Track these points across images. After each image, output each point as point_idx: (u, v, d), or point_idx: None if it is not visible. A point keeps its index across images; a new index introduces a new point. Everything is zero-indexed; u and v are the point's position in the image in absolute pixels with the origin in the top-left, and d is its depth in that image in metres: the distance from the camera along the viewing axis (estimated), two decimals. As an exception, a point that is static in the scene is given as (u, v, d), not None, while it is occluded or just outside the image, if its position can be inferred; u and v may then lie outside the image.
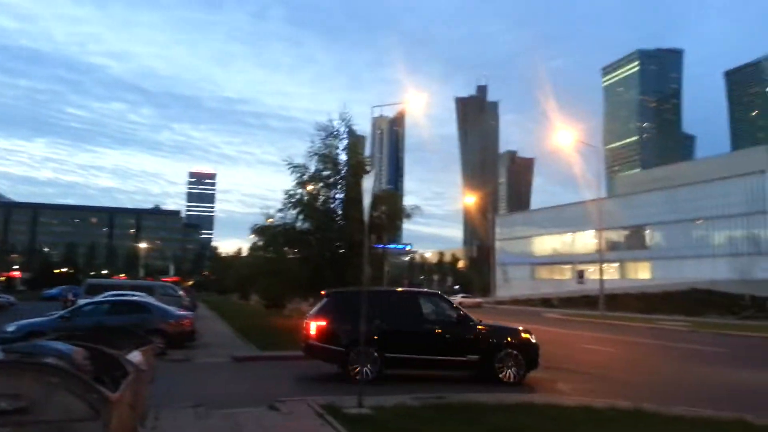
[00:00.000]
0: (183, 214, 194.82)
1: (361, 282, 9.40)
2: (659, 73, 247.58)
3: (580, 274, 45.37)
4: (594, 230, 48.64)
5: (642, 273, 56.19)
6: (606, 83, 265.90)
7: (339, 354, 10.55)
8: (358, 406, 7.63)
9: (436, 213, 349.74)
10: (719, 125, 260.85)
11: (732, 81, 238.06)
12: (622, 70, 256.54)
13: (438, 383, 10.51)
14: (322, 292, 12.06)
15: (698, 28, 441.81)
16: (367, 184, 9.57)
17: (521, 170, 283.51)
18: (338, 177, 19.53)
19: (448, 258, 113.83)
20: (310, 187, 19.87)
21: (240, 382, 11.14)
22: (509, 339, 11.13)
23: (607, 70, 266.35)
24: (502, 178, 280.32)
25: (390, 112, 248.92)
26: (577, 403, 8.45)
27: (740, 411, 7.97)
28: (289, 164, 19.55)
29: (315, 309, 11.49)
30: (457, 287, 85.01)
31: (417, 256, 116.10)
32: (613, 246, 58.98)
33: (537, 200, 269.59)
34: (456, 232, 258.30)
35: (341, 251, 18.33)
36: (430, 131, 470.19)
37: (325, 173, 19.63)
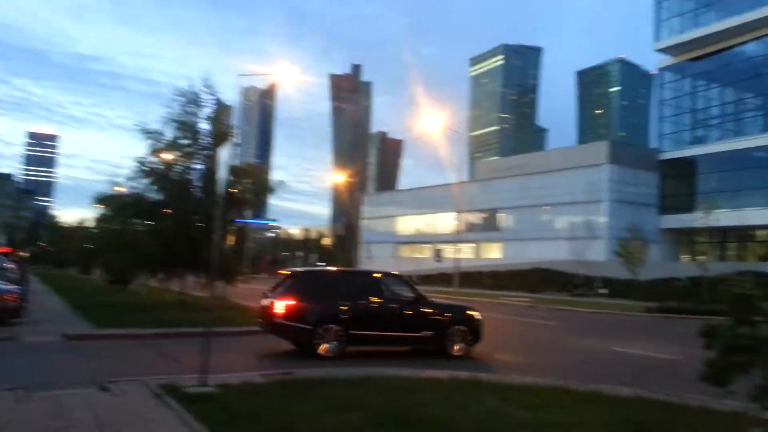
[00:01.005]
0: (18, 179, 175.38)
1: (216, 257, 9.06)
2: (521, 69, 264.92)
3: (438, 253, 47.64)
4: (454, 212, 51.17)
5: (494, 253, 60.35)
6: (473, 74, 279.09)
7: (306, 332, 10.86)
8: (201, 384, 7.37)
9: (305, 190, 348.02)
10: (569, 120, 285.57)
11: (582, 81, 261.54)
12: (488, 62, 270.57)
13: (377, 358, 10.94)
14: (285, 272, 12.52)
15: (557, 30, 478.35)
16: (224, 154, 9.19)
17: (390, 151, 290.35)
18: (198, 147, 18.55)
19: (314, 235, 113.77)
20: (166, 156, 18.69)
21: (70, 362, 10.32)
22: (458, 316, 12.05)
23: (474, 61, 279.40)
24: (371, 158, 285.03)
25: (261, 84, 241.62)
26: (421, 374, 8.82)
27: (570, 378, 8.82)
28: (142, 129, 18.23)
29: (280, 288, 11.63)
30: (321, 264, 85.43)
31: (282, 232, 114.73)
32: (471, 227, 62.54)
33: (405, 181, 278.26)
34: (324, 210, 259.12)
35: (198, 225, 17.50)
36: (304, 107, 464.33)
37: (184, 142, 18.56)
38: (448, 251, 50.92)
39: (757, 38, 44.95)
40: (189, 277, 19.84)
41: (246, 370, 8.91)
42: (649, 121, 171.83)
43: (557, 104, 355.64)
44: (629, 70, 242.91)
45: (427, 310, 11.81)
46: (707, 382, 4.25)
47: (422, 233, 69.78)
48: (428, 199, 67.68)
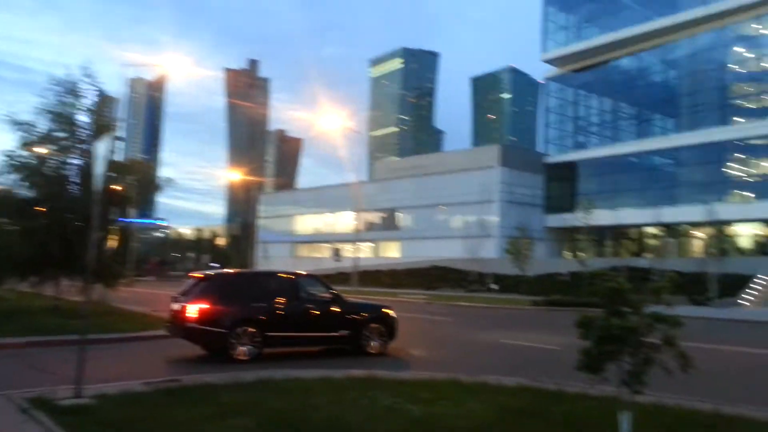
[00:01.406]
0: None
1: (92, 257, 8.37)
2: (419, 72, 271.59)
3: (337, 252, 47.62)
4: (353, 211, 51.45)
5: (393, 252, 61.35)
6: (373, 75, 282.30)
7: (220, 336, 10.62)
8: (75, 396, 6.78)
9: (198, 188, 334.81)
10: (465, 123, 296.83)
11: (476, 87, 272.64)
12: (388, 64, 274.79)
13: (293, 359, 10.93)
14: (197, 275, 12.13)
15: (454, 36, 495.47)
16: (103, 148, 8.50)
17: (289, 150, 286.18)
18: (75, 140, 17.14)
19: (207, 235, 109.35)
20: (39, 150, 17.12)
21: None
22: (374, 314, 12.26)
23: (374, 62, 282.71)
24: (269, 156, 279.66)
25: (150, 76, 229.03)
26: (318, 375, 8.70)
27: (462, 370, 9.07)
28: (11, 120, 16.58)
29: (193, 291, 11.24)
30: (214, 264, 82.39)
31: (173, 232, 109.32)
32: (370, 227, 63.09)
33: (304, 180, 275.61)
34: (219, 209, 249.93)
35: (75, 224, 16.17)
36: (197, 102, 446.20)
37: (59, 135, 17.09)
38: (348, 250, 51.08)
39: (631, 53, 49.17)
40: (65, 281, 18.31)
41: (130, 379, 8.32)
42: (537, 127, 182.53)
43: (454, 108, 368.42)
44: (519, 78, 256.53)
45: (344, 310, 11.95)
46: (583, 371, 4.49)
47: (321, 233, 69.46)
48: (328, 199, 67.47)
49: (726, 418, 6.22)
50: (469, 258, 47.00)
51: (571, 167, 52.74)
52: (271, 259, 69.25)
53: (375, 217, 64.09)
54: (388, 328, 12.26)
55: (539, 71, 69.36)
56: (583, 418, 5.98)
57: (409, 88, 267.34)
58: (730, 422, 6.07)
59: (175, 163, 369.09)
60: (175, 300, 11.46)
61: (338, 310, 11.88)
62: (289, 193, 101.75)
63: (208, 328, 10.67)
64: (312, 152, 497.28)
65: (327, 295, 12.09)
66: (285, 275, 12.43)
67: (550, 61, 54.08)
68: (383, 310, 12.60)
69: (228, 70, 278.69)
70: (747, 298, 30.83)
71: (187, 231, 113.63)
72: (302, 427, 5.77)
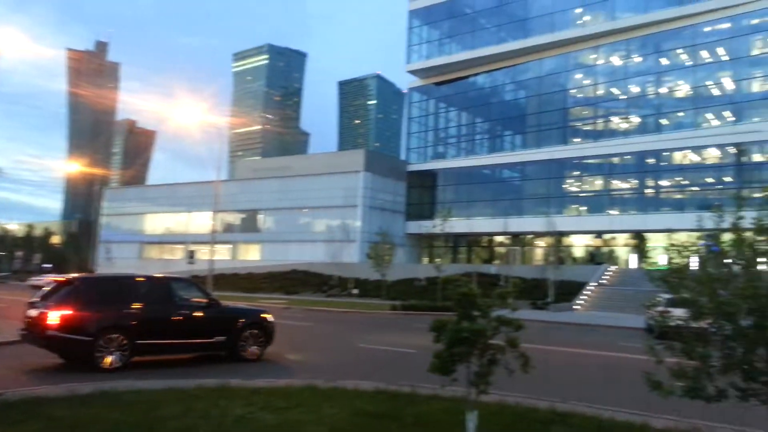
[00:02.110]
0: None
1: None
2: (285, 71, 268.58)
3: (191, 254, 45.16)
4: (210, 211, 49.25)
5: (252, 254, 59.72)
6: (236, 69, 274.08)
7: (85, 344, 9.94)
8: None
9: (30, 179, 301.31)
10: (331, 127, 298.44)
11: (344, 91, 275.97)
12: (253, 60, 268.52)
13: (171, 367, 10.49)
14: (61, 279, 11.37)
15: (323, 39, 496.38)
16: None
17: (140, 142, 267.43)
18: None
19: (39, 232, 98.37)
20: None
21: None
22: (252, 319, 12.04)
23: (238, 57, 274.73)
24: (117, 147, 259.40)
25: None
26: (164, 386, 8.15)
27: (320, 375, 8.93)
28: None
29: (54, 296, 10.50)
30: (47, 265, 74.41)
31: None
32: (228, 228, 60.85)
33: (156, 176, 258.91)
34: (55, 204, 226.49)
35: None
36: (33, 83, 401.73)
37: None
38: (203, 252, 48.75)
39: (486, 71, 52.63)
40: None
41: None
42: (400, 135, 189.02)
43: (321, 111, 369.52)
44: (385, 86, 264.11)
45: (220, 315, 11.70)
46: (435, 372, 4.59)
47: (174, 233, 65.60)
48: (182, 197, 63.99)
49: (560, 414, 6.76)
50: (330, 262, 47.15)
51: (431, 176, 55.16)
52: (114, 260, 64.10)
53: (234, 218, 61.99)
54: (266, 333, 12.08)
55: (404, 81, 71.85)
56: (434, 419, 6.17)
57: (275, 87, 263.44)
58: (564, 417, 6.60)
59: (2, 149, 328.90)
60: (33, 306, 10.67)
61: (214, 315, 11.54)
62: (139, 189, 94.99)
63: (71, 336, 9.91)
64: (166, 147, 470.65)
65: (203, 300, 11.70)
66: (157, 279, 11.96)
67: (414, 72, 56.18)
68: (262, 315, 12.38)
69: (71, 51, 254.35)
70: (579, 302, 34.24)
71: (15, 227, 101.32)
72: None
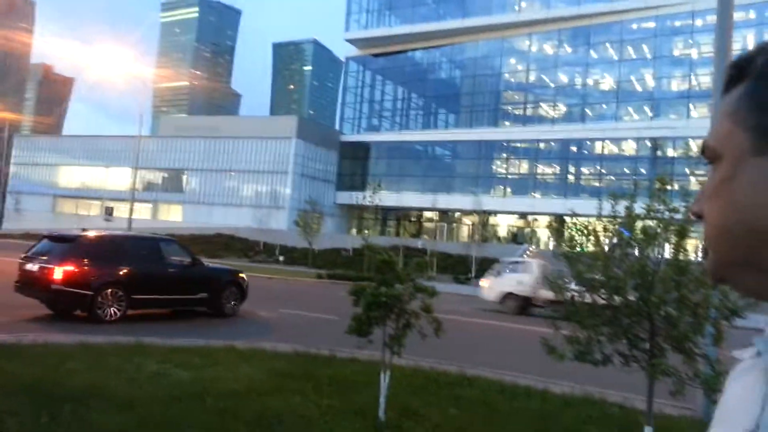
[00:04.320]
0: None
1: None
2: (217, 26, 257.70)
3: (108, 211, 43.20)
4: (131, 167, 47.11)
5: (174, 215, 57.86)
6: (164, 20, 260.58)
7: (87, 297, 10.76)
8: None
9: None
10: (264, 90, 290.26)
11: (279, 54, 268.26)
12: (182, 11, 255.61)
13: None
14: (59, 235, 12.14)
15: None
16: None
17: (56, 89, 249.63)
18: None
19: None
20: None
21: None
22: (230, 278, 13.30)
23: (167, 6, 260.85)
24: (30, 93, 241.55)
25: None
26: (75, 340, 7.95)
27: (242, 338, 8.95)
28: None
29: (56, 252, 11.26)
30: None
31: None
32: (149, 186, 58.58)
33: (73, 127, 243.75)
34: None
35: None
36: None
37: None
38: (121, 210, 46.82)
39: (424, 48, 52.82)
40: None
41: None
42: (335, 104, 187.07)
43: (254, 72, 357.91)
44: (322, 52, 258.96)
45: (204, 273, 12.77)
46: (353, 334, 4.78)
47: (90, 188, 62.50)
48: (101, 151, 60.92)
49: (468, 377, 7.17)
50: (257, 228, 46.50)
51: (364, 147, 55.16)
52: (23, 213, 60.35)
53: (156, 176, 59.76)
54: (242, 290, 13.30)
55: (342, 49, 70.69)
56: (349, 380, 6.40)
57: (205, 42, 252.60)
58: (471, 381, 7.01)
59: None
60: (29, 260, 11.35)
61: (198, 273, 12.58)
62: (53, 139, 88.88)
63: (74, 290, 10.73)
64: (86, 97, 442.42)
65: (188, 259, 12.64)
66: (149, 239, 13.07)
67: (352, 41, 55.55)
68: (239, 274, 13.68)
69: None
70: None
71: None
72: (56, 393, 5.21)
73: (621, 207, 4.49)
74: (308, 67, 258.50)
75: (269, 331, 11.52)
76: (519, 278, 18.84)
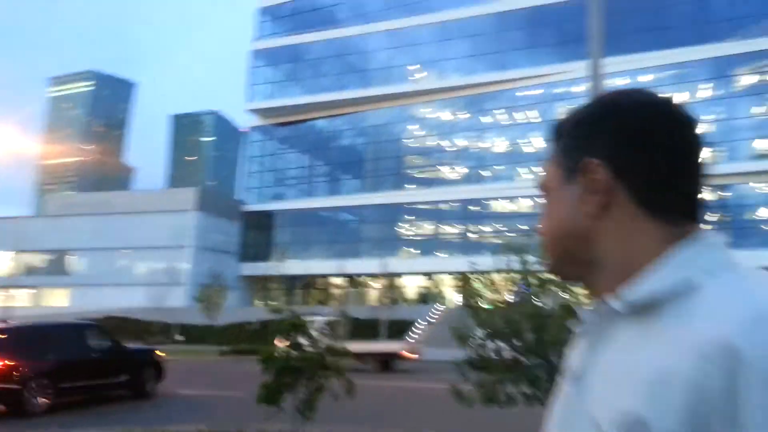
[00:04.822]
0: None
1: None
2: (110, 100, 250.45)
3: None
4: (11, 251, 43.38)
5: (60, 300, 53.27)
6: (53, 95, 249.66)
7: (15, 392, 10.44)
8: None
9: None
10: (160, 163, 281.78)
11: (177, 125, 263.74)
12: (73, 86, 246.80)
13: None
14: None
15: (156, 68, 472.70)
16: None
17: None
18: None
19: None
20: None
21: None
22: (148, 357, 13.53)
23: (57, 81, 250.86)
24: None
25: None
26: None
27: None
28: None
29: None
30: None
31: None
32: (31, 270, 53.99)
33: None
34: None
35: None
36: None
37: None
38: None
39: (327, 116, 54.11)
40: None
41: None
42: (238, 175, 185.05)
43: (150, 145, 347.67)
44: (222, 123, 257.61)
45: (125, 355, 12.82)
46: (263, 403, 4.58)
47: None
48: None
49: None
50: (153, 307, 43.78)
51: (268, 216, 54.48)
52: None
53: (39, 259, 55.22)
54: (159, 369, 13.46)
55: (243, 119, 70.70)
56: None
57: (98, 116, 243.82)
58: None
59: None
60: None
61: (120, 356, 12.61)
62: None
63: (3, 385, 10.43)
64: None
65: (109, 342, 12.75)
66: (72, 325, 13.35)
67: (254, 111, 55.80)
68: (156, 352, 14.04)
69: None
70: (409, 340, 35.72)
71: None
72: None
73: (515, 261, 4.77)
74: (208, 138, 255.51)
75: (172, 413, 10.73)
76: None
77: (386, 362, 19.82)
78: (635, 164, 0.75)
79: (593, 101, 0.86)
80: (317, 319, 21.56)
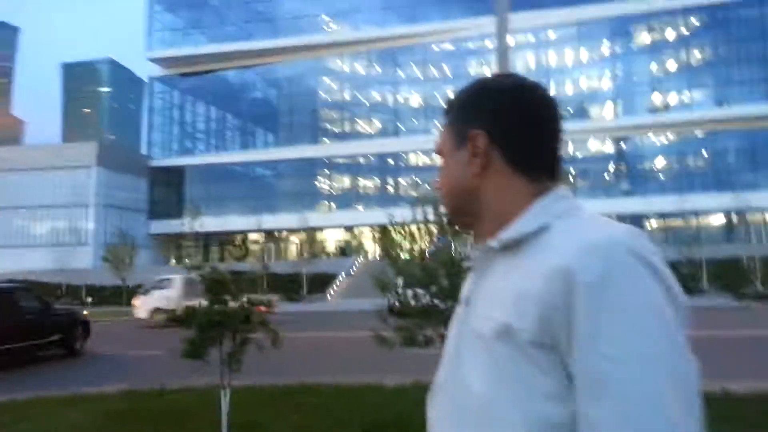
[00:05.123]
0: None
1: None
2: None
3: None
4: None
5: (-48, 264, 49.44)
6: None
7: None
8: None
9: None
10: (53, 114, 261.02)
11: (68, 75, 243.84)
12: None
13: None
14: None
15: (42, 13, 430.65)
16: None
17: None
18: None
19: None
20: None
21: None
22: (76, 318, 13.83)
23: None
24: None
25: None
26: None
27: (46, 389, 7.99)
28: None
29: None
30: None
31: None
32: None
33: None
34: None
35: None
36: None
37: None
38: None
39: (236, 67, 52.00)
40: None
41: None
42: (140, 127, 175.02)
43: (39, 95, 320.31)
44: (121, 72, 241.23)
45: (55, 316, 13.12)
46: (187, 358, 4.64)
47: None
48: None
49: (308, 386, 7.32)
50: (58, 269, 41.57)
51: (177, 172, 52.42)
52: None
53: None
54: (87, 329, 13.98)
55: (144, 68, 66.22)
56: (186, 408, 6.14)
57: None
58: (310, 388, 7.20)
59: None
60: None
61: (50, 317, 12.87)
62: None
63: None
64: None
65: (38, 303, 12.99)
66: (4, 288, 12.68)
67: (155, 61, 52.67)
68: (82, 313, 14.73)
69: None
70: (331, 293, 36.28)
71: None
72: None
73: (431, 212, 5.02)
74: (105, 88, 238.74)
75: (91, 375, 10.49)
76: (166, 294, 21.35)
77: None
78: (507, 134, 0.97)
79: (475, 82, 1.04)
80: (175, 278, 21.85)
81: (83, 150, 51.67)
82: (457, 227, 1.11)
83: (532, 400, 0.82)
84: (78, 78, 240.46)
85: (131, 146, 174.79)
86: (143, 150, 59.75)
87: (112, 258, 36.26)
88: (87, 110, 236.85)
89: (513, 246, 0.91)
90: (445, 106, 1.09)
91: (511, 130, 0.97)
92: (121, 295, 36.64)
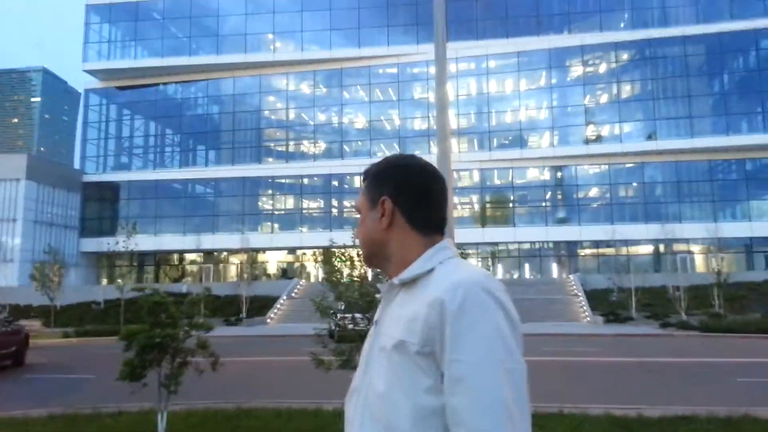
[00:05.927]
0: None
1: None
2: None
3: None
4: None
5: None
6: None
7: None
8: None
9: None
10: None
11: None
12: None
13: None
14: None
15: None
16: None
17: None
18: None
19: None
20: None
21: None
22: (24, 333, 14.92)
23: None
24: None
25: None
26: None
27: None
28: None
29: None
30: None
31: None
32: None
33: None
34: None
35: None
36: None
37: None
38: None
39: (178, 82, 51.04)
40: None
41: None
42: (74, 140, 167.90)
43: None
44: (54, 82, 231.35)
45: (10, 331, 14.03)
46: (125, 380, 4.62)
47: None
48: None
49: (246, 410, 7.29)
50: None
51: (112, 188, 50.61)
52: None
53: None
54: (27, 343, 15.15)
55: (79, 79, 63.78)
56: (121, 429, 6.01)
57: None
58: (247, 412, 7.16)
59: None
60: None
61: (8, 330, 13.86)
62: None
63: None
64: None
65: (3, 317, 14.31)
66: None
67: (92, 72, 50.98)
68: (26, 329, 15.95)
69: None
70: (272, 316, 35.67)
71: None
72: None
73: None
74: (36, 99, 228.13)
75: (15, 398, 9.99)
76: None
77: None
78: (406, 201, 1.31)
79: (387, 159, 1.38)
80: None
81: (11, 162, 49.10)
82: (370, 267, 1.61)
83: (417, 394, 1.11)
84: (7, 86, 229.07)
85: (64, 160, 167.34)
86: (76, 164, 57.32)
87: (40, 276, 34.51)
88: (15, 120, 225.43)
89: (410, 283, 1.24)
90: (363, 174, 1.41)
91: (410, 199, 1.30)
92: (49, 315, 34.87)
